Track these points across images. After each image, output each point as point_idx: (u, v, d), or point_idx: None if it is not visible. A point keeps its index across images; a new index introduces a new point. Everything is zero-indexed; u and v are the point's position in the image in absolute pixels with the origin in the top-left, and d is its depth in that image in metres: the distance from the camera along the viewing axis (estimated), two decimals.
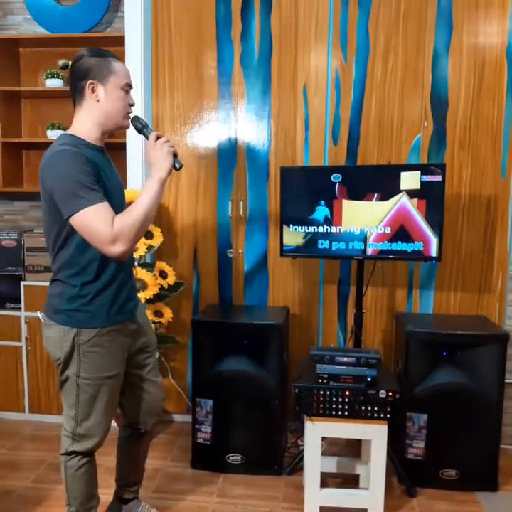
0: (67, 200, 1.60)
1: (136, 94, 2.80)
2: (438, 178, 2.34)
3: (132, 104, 1.79)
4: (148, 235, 2.75)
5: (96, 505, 1.94)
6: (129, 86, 1.77)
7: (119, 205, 1.75)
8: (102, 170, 1.71)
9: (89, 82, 1.70)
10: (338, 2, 2.74)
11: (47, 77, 2.96)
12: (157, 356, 2.11)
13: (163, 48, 2.90)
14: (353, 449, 2.63)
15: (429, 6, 2.68)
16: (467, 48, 2.69)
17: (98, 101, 1.72)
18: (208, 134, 2.93)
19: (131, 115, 1.82)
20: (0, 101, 3.00)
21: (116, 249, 1.61)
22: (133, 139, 2.86)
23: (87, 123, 1.74)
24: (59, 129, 3.02)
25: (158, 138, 1.74)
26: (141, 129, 1.82)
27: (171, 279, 2.80)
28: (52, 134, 3.01)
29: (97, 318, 1.75)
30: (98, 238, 1.60)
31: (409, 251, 2.41)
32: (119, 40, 2.86)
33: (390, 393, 2.09)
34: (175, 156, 1.74)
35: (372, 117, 2.78)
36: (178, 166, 1.75)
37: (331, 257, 2.58)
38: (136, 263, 1.82)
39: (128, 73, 1.78)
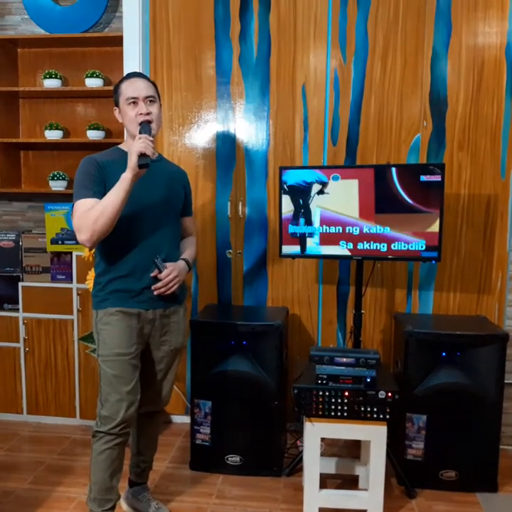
0: (73, 196, 1.91)
1: None
2: (437, 178, 2.34)
3: (141, 113, 1.91)
4: None
5: (114, 499, 1.99)
6: (132, 98, 1.92)
7: (140, 204, 1.92)
8: (117, 172, 1.84)
9: (114, 109, 2.01)
10: (337, 2, 2.73)
11: (45, 78, 2.96)
12: (179, 359, 2.18)
13: (161, 48, 2.89)
14: (353, 450, 2.63)
15: (427, 5, 2.68)
16: (466, 48, 2.68)
17: (122, 122, 1.99)
18: (206, 134, 2.92)
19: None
20: None
21: (80, 237, 1.85)
22: None
23: (126, 138, 2.06)
24: (57, 129, 3.01)
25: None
26: (140, 133, 1.88)
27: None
28: (50, 135, 3.01)
29: (108, 300, 1.96)
30: (73, 227, 1.88)
31: (408, 251, 2.40)
32: (118, 40, 2.86)
33: (390, 394, 2.08)
34: (142, 155, 1.78)
35: (372, 117, 2.78)
36: (139, 164, 1.78)
37: (330, 257, 2.57)
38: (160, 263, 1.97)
39: (132, 87, 1.93)
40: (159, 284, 1.95)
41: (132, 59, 2.84)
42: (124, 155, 1.92)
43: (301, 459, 2.50)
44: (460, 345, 2.40)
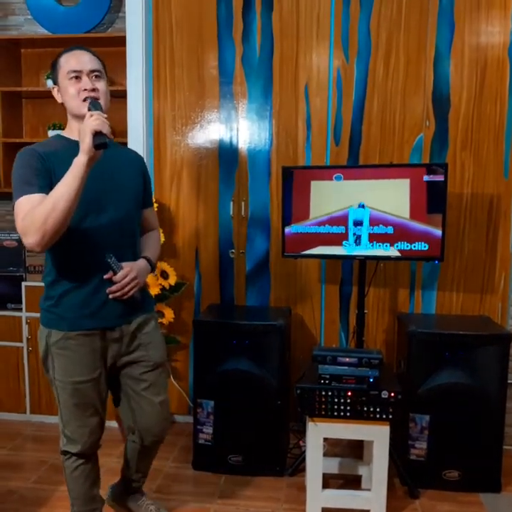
0: (13, 194, 1.63)
1: (137, 94, 2.83)
2: (440, 177, 2.34)
3: (86, 89, 1.67)
4: None
5: (99, 507, 1.94)
6: (74, 72, 1.67)
7: (93, 198, 1.66)
8: (62, 163, 1.59)
9: (52, 87, 1.76)
10: (340, 1, 2.73)
11: (48, 78, 2.96)
12: (165, 375, 1.96)
13: (164, 48, 2.90)
14: (355, 450, 2.63)
15: (430, 5, 2.68)
16: (469, 48, 2.68)
17: (61, 102, 1.74)
18: (209, 134, 2.92)
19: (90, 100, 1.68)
20: (1, 101, 3.00)
21: (27, 241, 1.55)
22: (133, 139, 2.86)
23: (68, 122, 1.78)
24: (60, 129, 3.01)
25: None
26: (90, 110, 1.60)
27: (173, 280, 2.79)
28: (54, 135, 3.01)
29: (64, 320, 1.71)
30: (18, 230, 1.59)
31: (411, 251, 2.40)
32: (121, 41, 2.86)
33: (392, 394, 2.08)
34: (98, 134, 1.50)
35: (374, 117, 2.78)
36: (96, 143, 1.50)
37: (333, 257, 2.57)
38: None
39: (74, 60, 1.69)
40: (114, 287, 1.69)
41: (135, 59, 2.84)
42: (68, 143, 1.68)
43: (303, 459, 2.49)
44: (463, 345, 2.39)
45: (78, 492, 1.87)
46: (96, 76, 1.70)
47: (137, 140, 2.82)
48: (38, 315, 2.92)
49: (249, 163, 2.89)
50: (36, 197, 1.57)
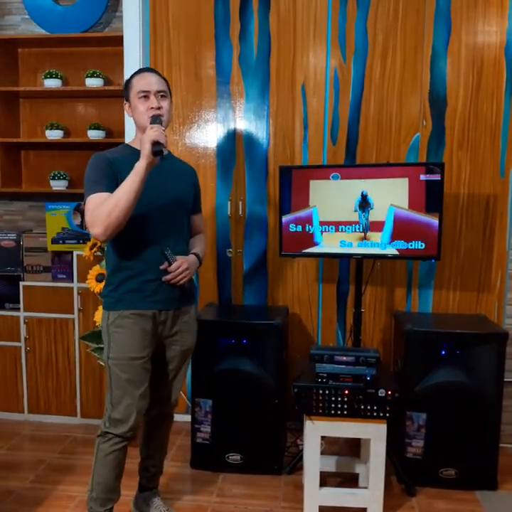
0: (84, 193, 1.88)
1: None
2: (437, 177, 2.34)
3: (152, 107, 1.89)
4: None
5: (115, 499, 2.00)
6: (143, 91, 1.90)
7: (150, 201, 1.88)
8: (128, 169, 1.81)
9: (124, 103, 1.99)
10: (337, 1, 2.74)
11: (45, 77, 2.96)
12: (189, 358, 2.16)
13: (161, 47, 2.90)
14: (353, 448, 2.64)
15: (427, 4, 2.68)
16: (466, 47, 2.69)
17: (132, 117, 1.97)
18: (206, 133, 2.93)
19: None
20: None
21: (93, 231, 1.80)
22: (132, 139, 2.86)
23: (136, 134, 2.02)
24: (58, 129, 3.02)
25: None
26: (151, 124, 1.85)
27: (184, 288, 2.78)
28: (51, 134, 3.01)
29: (121, 302, 1.92)
30: (86, 222, 1.85)
31: (407, 250, 2.41)
32: (118, 40, 2.86)
33: (389, 392, 2.09)
34: (156, 143, 1.76)
35: (371, 116, 2.79)
36: (153, 150, 1.75)
37: (330, 256, 2.58)
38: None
39: (143, 81, 1.92)
40: (169, 276, 1.92)
41: (132, 59, 2.84)
42: (134, 152, 1.90)
43: (301, 457, 2.50)
44: (460, 343, 2.40)
45: (104, 477, 1.95)
46: (162, 96, 1.93)
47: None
48: (36, 314, 2.99)
49: (247, 163, 2.90)
50: (103, 194, 1.81)
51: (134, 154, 1.85)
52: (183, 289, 1.98)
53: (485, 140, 2.72)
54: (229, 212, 2.93)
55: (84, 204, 1.86)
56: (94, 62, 3.04)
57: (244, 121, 2.88)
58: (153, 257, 1.91)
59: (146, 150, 1.76)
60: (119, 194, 1.76)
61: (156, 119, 1.86)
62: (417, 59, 2.72)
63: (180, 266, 1.92)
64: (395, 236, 2.41)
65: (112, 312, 1.93)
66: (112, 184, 1.83)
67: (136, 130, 2.01)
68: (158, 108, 1.89)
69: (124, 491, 2.04)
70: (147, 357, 1.94)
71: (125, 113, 2.02)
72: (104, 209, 1.77)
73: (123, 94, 1.99)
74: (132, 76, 1.97)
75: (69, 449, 2.79)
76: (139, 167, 1.77)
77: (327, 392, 2.12)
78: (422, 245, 2.39)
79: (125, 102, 1.98)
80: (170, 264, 1.91)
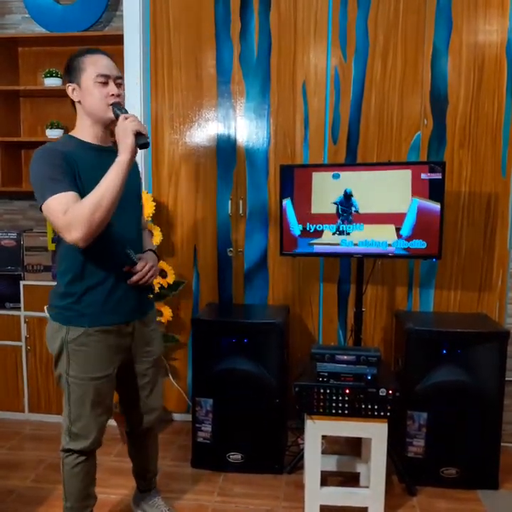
0: (37, 192, 1.66)
1: (135, 93, 2.83)
2: (438, 176, 2.34)
3: (114, 94, 1.73)
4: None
5: (92, 504, 1.96)
6: (103, 76, 1.72)
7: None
8: (84, 165, 1.68)
9: (68, 85, 1.76)
10: (337, 0, 2.73)
11: (46, 76, 2.96)
12: (160, 366, 2.08)
13: (162, 46, 2.89)
14: (354, 447, 2.63)
15: (428, 3, 2.68)
16: (467, 46, 2.68)
17: (80, 102, 1.76)
18: (207, 132, 2.93)
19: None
20: None
21: (71, 236, 1.60)
22: None
23: (80, 123, 1.80)
24: (58, 128, 3.01)
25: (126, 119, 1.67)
26: (118, 115, 1.71)
27: (171, 278, 2.79)
28: (52, 133, 3.01)
29: (85, 317, 1.75)
30: (56, 227, 1.63)
31: (408, 249, 2.40)
32: (118, 39, 2.86)
33: (390, 391, 2.09)
34: (139, 134, 1.63)
35: (372, 115, 2.78)
36: (139, 143, 1.64)
37: (331, 255, 2.57)
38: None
39: (103, 63, 1.74)
40: (135, 277, 1.77)
41: (133, 58, 2.84)
42: (82, 145, 1.74)
43: (302, 457, 2.50)
44: (461, 342, 2.40)
45: (75, 488, 1.88)
46: (119, 83, 1.76)
47: None
48: (36, 314, 2.98)
49: (248, 162, 2.89)
50: (70, 194, 1.61)
51: (84, 148, 1.72)
52: (149, 291, 1.86)
53: (486, 139, 2.71)
54: (229, 212, 2.93)
55: (42, 206, 1.64)
56: None
57: (244, 120, 2.88)
58: (116, 259, 1.76)
59: (129, 144, 1.61)
60: (101, 192, 1.59)
61: (121, 109, 1.71)
62: (417, 58, 2.72)
63: (145, 264, 1.79)
64: (415, 233, 2.37)
65: (72, 328, 1.75)
66: (72, 182, 1.64)
67: (81, 118, 1.79)
68: (118, 95, 1.73)
69: (122, 491, 2.03)
70: (113, 373, 1.82)
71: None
72: (85, 209, 1.58)
73: (67, 75, 1.77)
74: (79, 55, 1.76)
75: None
76: (122, 162, 1.62)
77: (328, 391, 2.12)
78: (423, 244, 2.39)
79: (69, 83, 1.75)
80: (134, 264, 1.78)
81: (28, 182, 3.21)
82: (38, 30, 3.03)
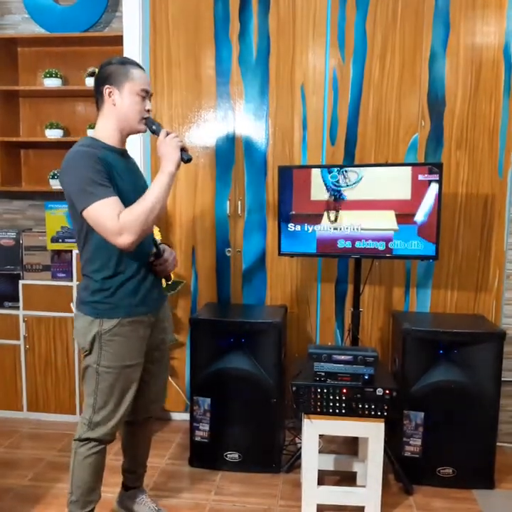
0: (79, 196, 1.72)
1: None
2: (435, 177, 2.35)
3: (148, 110, 1.87)
4: None
5: (96, 500, 1.97)
6: (145, 92, 1.85)
7: (135, 198, 1.79)
8: (115, 170, 1.78)
9: (106, 87, 1.82)
10: (336, 2, 2.75)
11: (45, 77, 2.97)
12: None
13: (161, 47, 2.90)
14: (351, 446, 2.65)
15: (426, 5, 2.69)
16: (464, 48, 2.69)
17: (114, 105, 1.83)
18: (206, 133, 2.94)
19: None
20: None
21: (123, 240, 1.70)
22: (131, 138, 2.86)
23: (106, 126, 1.86)
24: (57, 128, 3.02)
25: (168, 134, 1.83)
26: (154, 129, 1.89)
27: (169, 278, 2.80)
28: (51, 134, 3.02)
29: (119, 308, 1.84)
30: (106, 230, 1.71)
31: (406, 249, 2.42)
32: (118, 40, 2.87)
33: (387, 391, 2.10)
34: (183, 150, 1.82)
35: (370, 116, 2.79)
36: (185, 158, 1.82)
37: (329, 255, 2.58)
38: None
39: (146, 80, 1.87)
40: (162, 267, 1.91)
41: (132, 58, 2.84)
42: (107, 148, 1.82)
43: (299, 456, 2.51)
44: (457, 343, 2.41)
45: (84, 481, 1.91)
46: (150, 99, 1.90)
47: (134, 139, 2.81)
48: (35, 313, 2.99)
49: (246, 163, 2.90)
50: (117, 199, 1.72)
51: (112, 153, 1.81)
52: (168, 278, 2.01)
53: (483, 140, 2.73)
54: (228, 212, 2.94)
55: (85, 209, 1.70)
56: (94, 62, 3.04)
57: (243, 121, 2.89)
58: (145, 251, 1.89)
59: (176, 158, 1.78)
60: (154, 199, 1.73)
61: (154, 123, 1.89)
62: (415, 59, 2.73)
63: (170, 252, 1.94)
64: (422, 230, 2.38)
65: (106, 320, 1.83)
66: (111, 187, 1.73)
67: (108, 120, 1.84)
68: (149, 111, 1.89)
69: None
70: (141, 361, 1.91)
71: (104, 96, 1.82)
72: (138, 217, 1.69)
73: (105, 75, 1.82)
74: (129, 64, 1.84)
75: (68, 447, 2.73)
76: (170, 173, 1.77)
77: (325, 390, 2.13)
78: (420, 245, 2.40)
79: (109, 85, 1.80)
80: (160, 253, 1.91)
81: (27, 182, 3.22)
82: (38, 30, 3.04)
